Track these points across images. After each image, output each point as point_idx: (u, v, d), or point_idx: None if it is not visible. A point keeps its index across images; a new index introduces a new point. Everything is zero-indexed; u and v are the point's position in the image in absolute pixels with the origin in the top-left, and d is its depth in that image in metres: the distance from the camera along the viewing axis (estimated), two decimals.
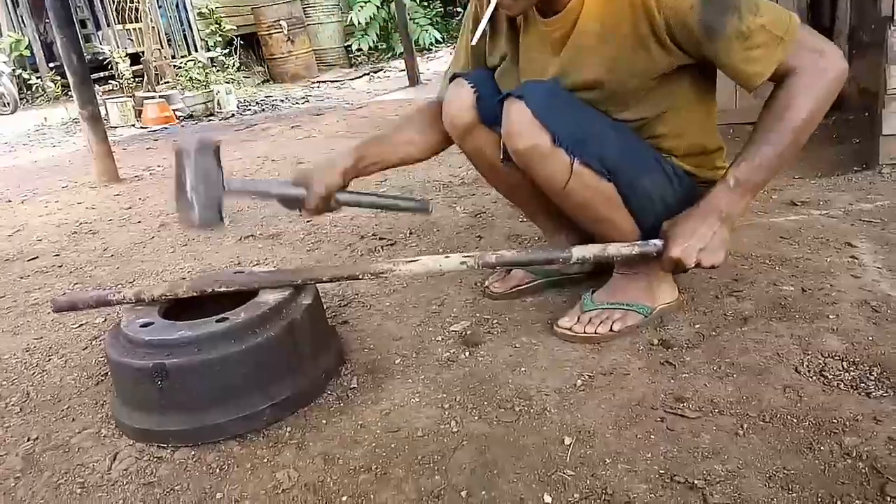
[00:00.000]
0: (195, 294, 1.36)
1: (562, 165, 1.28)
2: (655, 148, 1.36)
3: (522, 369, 1.34)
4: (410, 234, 2.23)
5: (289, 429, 1.24)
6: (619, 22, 1.23)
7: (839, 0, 2.95)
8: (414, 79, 6.64)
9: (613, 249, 1.32)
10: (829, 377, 1.19)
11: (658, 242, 1.29)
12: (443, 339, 1.50)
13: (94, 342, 1.70)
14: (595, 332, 1.40)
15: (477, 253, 1.34)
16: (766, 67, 1.17)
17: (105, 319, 1.82)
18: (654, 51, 1.22)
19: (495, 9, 1.28)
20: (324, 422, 1.25)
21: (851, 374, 1.19)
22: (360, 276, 1.37)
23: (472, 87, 1.42)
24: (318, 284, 1.43)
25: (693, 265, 1.24)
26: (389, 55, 9.84)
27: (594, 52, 1.27)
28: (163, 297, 1.36)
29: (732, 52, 1.16)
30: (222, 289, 1.36)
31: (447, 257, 1.35)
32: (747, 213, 1.61)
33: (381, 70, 8.63)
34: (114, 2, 8.57)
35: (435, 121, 1.51)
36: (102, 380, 1.50)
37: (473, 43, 1.35)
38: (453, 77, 1.47)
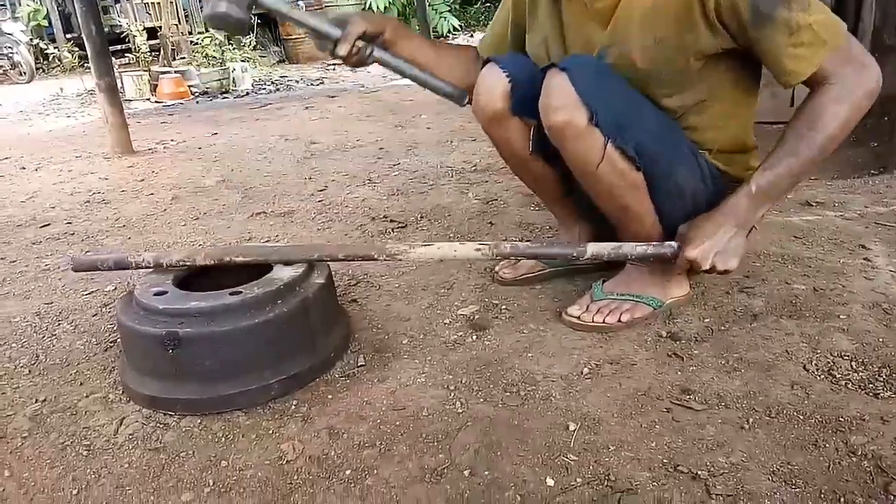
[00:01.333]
0: (213, 263, 1.37)
1: (595, 146, 1.25)
2: (691, 140, 1.34)
3: (529, 355, 1.34)
4: (422, 217, 2.24)
5: (295, 402, 1.25)
6: None
7: (864, 0, 2.91)
8: None
9: (628, 248, 1.31)
10: (838, 376, 1.18)
11: (674, 244, 1.29)
12: (451, 322, 1.51)
13: (103, 309, 1.71)
14: (603, 322, 1.40)
15: (492, 242, 1.34)
16: (807, 67, 1.15)
17: (115, 288, 1.83)
18: (701, 29, 1.20)
19: None
20: (330, 397, 1.26)
21: (860, 374, 1.18)
22: (376, 257, 1.37)
23: (505, 74, 1.36)
24: (331, 263, 1.44)
25: (707, 268, 1.24)
26: None
27: (642, 25, 1.25)
28: (181, 263, 1.38)
29: (776, 43, 1.15)
30: (239, 258, 1.37)
31: (462, 244, 1.35)
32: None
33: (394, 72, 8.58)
34: None
35: (470, 68, 1.50)
36: (111, 346, 1.51)
37: None
38: (486, 61, 1.42)
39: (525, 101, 1.34)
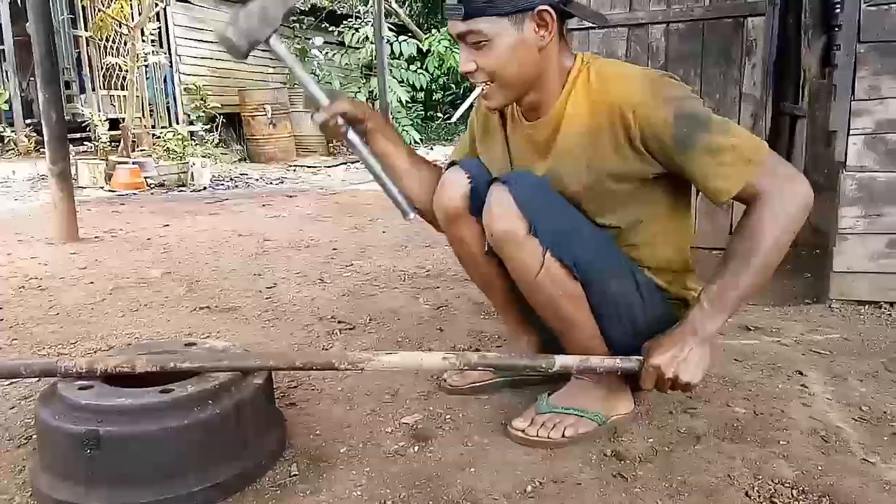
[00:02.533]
0: (155, 370, 1.27)
1: (534, 255, 1.30)
2: (630, 257, 1.38)
3: (472, 470, 1.30)
4: (370, 320, 2.21)
5: None
6: (599, 129, 1.30)
7: (794, 144, 3.16)
8: None
9: (596, 361, 1.32)
10: None
11: (640, 358, 1.30)
12: (392, 430, 1.46)
13: (23, 402, 1.60)
14: (548, 437, 1.37)
15: (459, 352, 1.33)
16: (734, 185, 1.22)
17: (39, 379, 1.72)
18: (630, 158, 1.29)
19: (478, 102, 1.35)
20: None
21: (801, 502, 1.18)
22: (336, 365, 1.31)
23: (467, 175, 1.44)
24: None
25: (671, 376, 1.25)
26: None
27: (576, 156, 1.33)
28: (119, 370, 1.26)
29: (702, 164, 1.23)
30: (185, 365, 1.27)
31: (428, 353, 1.33)
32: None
33: (359, 161, 8.81)
34: (102, 68, 8.71)
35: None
36: (25, 443, 1.40)
37: (452, 121, 1.40)
38: (451, 164, 1.49)
39: (483, 201, 1.38)
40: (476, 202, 1.41)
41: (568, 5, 1.30)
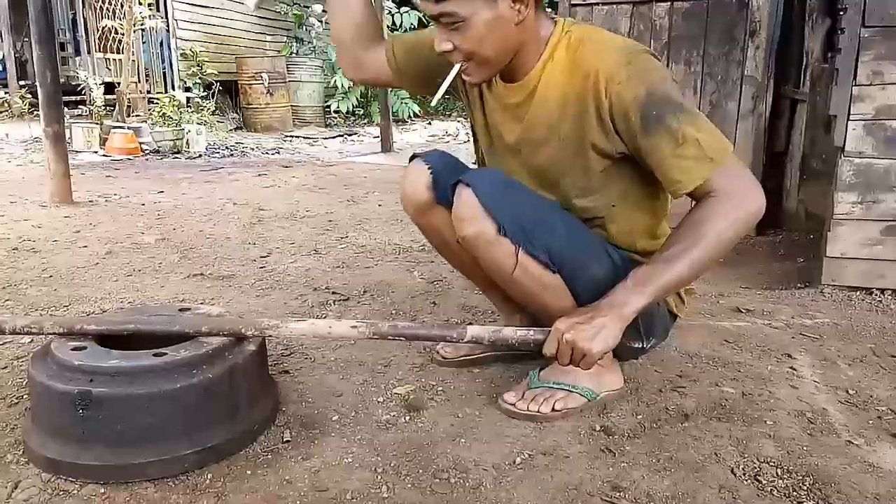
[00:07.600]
0: (61, 331, 1.25)
1: (507, 254, 1.29)
2: (610, 244, 1.38)
3: (462, 440, 1.31)
4: (364, 292, 2.21)
5: (210, 476, 1.17)
6: (572, 95, 1.28)
7: (794, 127, 3.15)
8: (387, 146, 6.76)
9: (509, 333, 1.29)
10: (764, 482, 1.19)
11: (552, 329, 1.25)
12: (384, 400, 1.47)
13: (15, 361, 1.61)
14: (538, 411, 1.39)
15: (369, 321, 1.33)
16: (691, 179, 1.19)
17: (31, 340, 1.72)
18: (596, 132, 1.28)
19: (457, 75, 1.32)
20: (248, 473, 1.19)
21: (785, 481, 1.19)
22: (244, 332, 1.30)
23: (428, 167, 1.45)
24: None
25: (570, 338, 1.19)
26: (366, 120, 10.03)
27: (548, 124, 1.33)
28: (26, 329, 1.26)
29: (663, 151, 1.20)
30: (91, 328, 1.27)
31: (337, 321, 1.31)
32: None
33: (356, 134, 8.77)
34: (97, 30, 8.58)
35: (365, 33, 1.50)
36: (17, 403, 1.41)
37: (433, 104, 1.38)
38: (413, 157, 1.50)
39: (448, 191, 1.38)
40: (441, 191, 1.42)
41: None
